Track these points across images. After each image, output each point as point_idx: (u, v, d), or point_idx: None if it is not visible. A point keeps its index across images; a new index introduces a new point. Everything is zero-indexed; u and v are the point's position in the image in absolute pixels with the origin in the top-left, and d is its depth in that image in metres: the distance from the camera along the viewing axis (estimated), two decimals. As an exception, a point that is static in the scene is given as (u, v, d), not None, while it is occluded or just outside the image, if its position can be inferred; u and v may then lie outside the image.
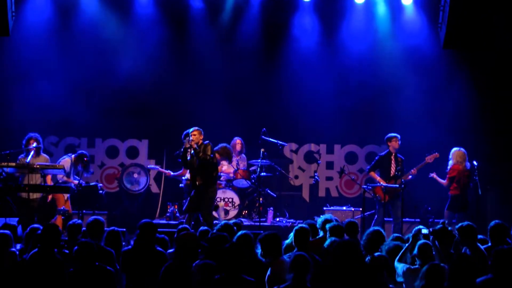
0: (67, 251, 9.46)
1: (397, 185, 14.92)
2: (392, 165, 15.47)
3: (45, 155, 14.81)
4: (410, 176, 15.28)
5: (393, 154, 15.54)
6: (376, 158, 15.87)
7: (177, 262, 8.38)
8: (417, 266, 8.55)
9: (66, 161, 15.12)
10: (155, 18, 18.34)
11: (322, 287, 7.70)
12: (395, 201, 15.08)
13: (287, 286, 7.58)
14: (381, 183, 15.23)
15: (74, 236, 10.19)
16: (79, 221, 10.78)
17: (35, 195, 14.28)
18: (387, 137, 15.71)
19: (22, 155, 14.58)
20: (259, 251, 9.27)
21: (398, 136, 15.62)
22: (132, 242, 9.84)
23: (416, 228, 9.78)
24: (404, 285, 8.49)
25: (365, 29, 18.48)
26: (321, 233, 10.54)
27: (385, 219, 15.14)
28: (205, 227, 10.82)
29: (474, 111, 17.88)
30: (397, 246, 9.05)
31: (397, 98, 18.37)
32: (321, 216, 11.21)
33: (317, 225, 10.82)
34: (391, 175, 15.40)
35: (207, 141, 13.91)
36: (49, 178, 14.54)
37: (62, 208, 14.20)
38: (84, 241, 8.67)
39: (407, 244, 9.10)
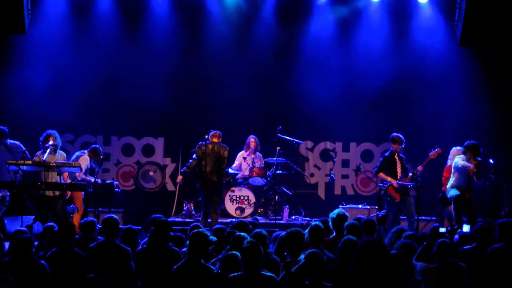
0: (77, 250, 9.48)
1: (413, 183, 14.86)
2: (398, 164, 15.36)
3: (62, 152, 14.79)
4: (418, 173, 15.17)
5: (397, 154, 15.42)
6: (381, 159, 15.64)
7: (189, 260, 8.36)
8: (435, 264, 8.52)
9: (84, 158, 15.10)
10: (171, 17, 18.37)
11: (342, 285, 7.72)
12: (406, 199, 15.00)
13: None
14: (393, 182, 15.15)
15: (88, 234, 10.20)
16: (92, 218, 10.77)
17: (57, 193, 14.29)
18: (390, 137, 15.57)
19: (39, 152, 14.54)
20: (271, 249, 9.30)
21: (401, 137, 15.45)
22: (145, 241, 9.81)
23: (432, 226, 9.76)
24: (422, 284, 8.46)
25: (381, 27, 18.46)
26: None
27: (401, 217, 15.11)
28: (221, 226, 10.81)
29: (490, 108, 17.80)
30: (409, 244, 9.01)
31: (413, 96, 18.36)
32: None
33: (330, 223, 10.78)
34: (399, 175, 15.29)
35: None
36: (66, 175, 14.54)
37: (71, 206, 14.21)
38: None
39: (425, 243, 9.07)
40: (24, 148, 14.58)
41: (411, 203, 14.92)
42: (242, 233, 9.30)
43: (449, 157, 15.35)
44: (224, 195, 16.64)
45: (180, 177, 15.46)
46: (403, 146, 15.38)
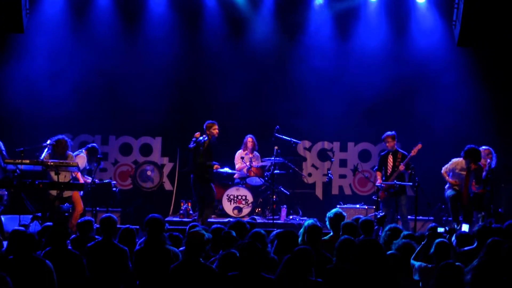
0: (71, 249, 9.47)
1: (410, 183, 15.00)
2: (389, 163, 15.59)
3: (72, 153, 14.74)
4: (402, 171, 15.38)
5: (391, 152, 15.63)
6: (378, 158, 16.11)
7: (187, 259, 8.35)
8: (433, 264, 8.52)
9: (82, 157, 15.05)
10: (170, 17, 18.39)
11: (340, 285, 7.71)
12: (398, 198, 15.12)
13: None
14: (377, 182, 15.47)
15: (86, 233, 10.20)
16: (89, 218, 10.75)
17: (67, 193, 14.28)
18: (383, 137, 15.82)
19: (47, 153, 14.50)
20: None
21: (391, 134, 15.67)
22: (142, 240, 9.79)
23: (429, 226, 9.76)
24: (420, 283, 8.47)
25: (379, 27, 18.46)
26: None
27: (398, 217, 15.19)
28: (218, 225, 10.80)
29: (488, 109, 17.85)
30: (408, 244, 9.01)
31: (411, 96, 18.38)
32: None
33: (327, 222, 10.84)
34: (388, 173, 15.52)
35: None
36: (78, 175, 14.54)
37: (65, 205, 14.19)
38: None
39: (423, 243, 9.07)
40: (2, 147, 14.49)
41: (402, 204, 15.07)
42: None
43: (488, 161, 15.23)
44: (222, 194, 16.71)
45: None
46: (394, 143, 15.59)
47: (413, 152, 15.31)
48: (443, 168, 15.19)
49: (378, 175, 15.74)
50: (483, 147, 15.16)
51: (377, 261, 7.55)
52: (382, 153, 15.95)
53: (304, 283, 7.60)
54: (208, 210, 15.20)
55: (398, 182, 15.06)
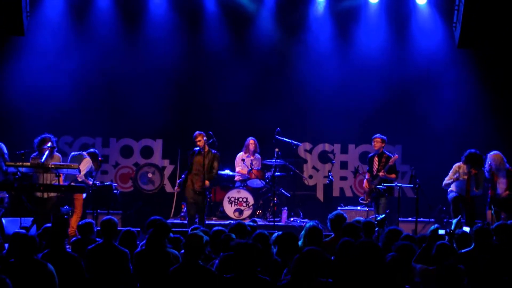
0: (69, 251, 9.45)
1: (391, 184, 15.28)
2: (374, 164, 15.85)
3: (58, 154, 14.71)
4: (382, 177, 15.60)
5: (377, 154, 15.83)
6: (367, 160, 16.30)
7: (186, 261, 8.33)
8: (434, 266, 8.50)
9: (88, 160, 14.97)
10: (170, 18, 18.38)
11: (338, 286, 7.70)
12: (378, 200, 15.32)
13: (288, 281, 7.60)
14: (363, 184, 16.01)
15: (86, 235, 10.20)
16: (90, 220, 10.74)
17: (51, 194, 14.20)
18: (372, 137, 16.01)
19: (35, 154, 14.44)
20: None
21: (381, 136, 15.88)
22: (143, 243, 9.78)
23: (432, 228, 9.74)
24: (421, 285, 8.45)
25: (380, 29, 18.46)
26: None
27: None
28: (220, 227, 10.79)
29: (489, 111, 17.83)
30: (408, 245, 8.99)
31: (412, 97, 18.36)
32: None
33: (328, 224, 10.86)
34: (373, 174, 15.75)
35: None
36: (61, 178, 14.48)
37: (65, 207, 14.16)
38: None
39: (424, 245, 9.06)
40: (5, 150, 14.47)
41: (380, 204, 15.31)
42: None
43: (489, 162, 15.10)
44: (223, 196, 16.76)
45: None
46: (381, 146, 15.84)
47: (391, 162, 15.52)
48: (445, 178, 15.08)
49: (368, 176, 15.98)
50: (494, 152, 15.02)
51: (376, 263, 7.54)
52: (370, 155, 16.16)
53: (314, 283, 7.57)
54: None
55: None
